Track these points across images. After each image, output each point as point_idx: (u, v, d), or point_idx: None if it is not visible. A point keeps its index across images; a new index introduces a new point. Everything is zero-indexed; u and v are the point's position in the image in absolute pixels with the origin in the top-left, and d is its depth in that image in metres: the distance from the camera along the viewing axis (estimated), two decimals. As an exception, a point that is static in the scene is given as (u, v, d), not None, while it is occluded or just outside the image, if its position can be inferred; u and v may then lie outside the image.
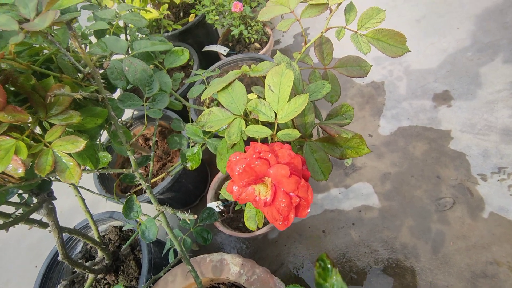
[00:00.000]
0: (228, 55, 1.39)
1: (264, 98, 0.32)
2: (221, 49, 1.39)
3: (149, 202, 1.06)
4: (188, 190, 1.17)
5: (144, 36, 0.53)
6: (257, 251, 1.13)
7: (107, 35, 0.56)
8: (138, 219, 0.39)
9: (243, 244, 1.16)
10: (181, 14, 1.55)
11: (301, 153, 0.31)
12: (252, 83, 1.17)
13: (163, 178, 1.00)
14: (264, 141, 0.31)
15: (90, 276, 0.77)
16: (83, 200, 0.75)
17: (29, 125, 0.30)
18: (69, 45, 0.43)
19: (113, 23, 0.53)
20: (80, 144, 0.30)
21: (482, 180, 1.04)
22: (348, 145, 0.31)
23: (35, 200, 0.48)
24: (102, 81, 0.34)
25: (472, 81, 1.26)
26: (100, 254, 0.88)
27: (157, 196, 1.01)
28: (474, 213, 0.99)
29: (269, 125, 0.29)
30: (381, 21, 0.37)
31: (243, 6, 1.11)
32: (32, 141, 0.30)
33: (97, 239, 0.84)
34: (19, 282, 1.32)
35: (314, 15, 0.38)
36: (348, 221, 1.09)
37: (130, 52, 0.45)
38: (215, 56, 1.47)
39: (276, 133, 0.27)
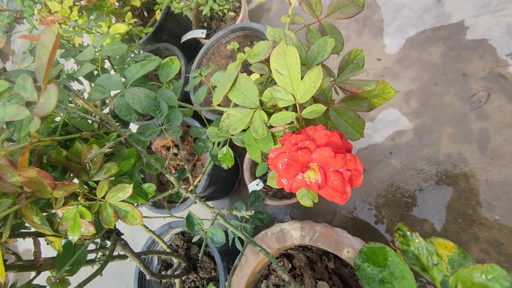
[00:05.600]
0: (207, 36, 1.33)
1: (271, 81, 0.31)
2: (199, 33, 1.33)
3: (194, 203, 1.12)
4: (225, 179, 1.22)
5: (129, 59, 0.52)
6: (308, 209, 1.18)
7: (95, 72, 0.56)
8: (203, 229, 0.43)
9: (293, 207, 1.21)
10: (145, 14, 1.48)
11: (329, 120, 0.31)
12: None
13: (200, 180, 1.05)
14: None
15: (177, 281, 0.86)
16: (143, 224, 0.81)
17: (79, 189, 0.32)
18: (70, 99, 0.43)
19: (97, 57, 0.52)
20: (128, 189, 0.32)
21: (513, 59, 0.96)
22: (373, 95, 0.30)
23: (108, 242, 0.53)
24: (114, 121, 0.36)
25: (473, -46, 1.10)
26: (175, 260, 0.97)
27: (200, 195, 1.07)
28: (513, 97, 0.93)
29: (289, 107, 0.29)
30: None
31: (203, -21, 1.03)
32: (87, 201, 0.33)
33: (168, 250, 0.92)
34: (121, 302, 1.52)
35: None
36: (385, 152, 1.08)
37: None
38: (195, 43, 1.41)
39: (301, 113, 0.27)
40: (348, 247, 0.75)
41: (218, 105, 0.35)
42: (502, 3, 1.01)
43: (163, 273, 1.08)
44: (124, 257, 0.59)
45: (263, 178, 1.05)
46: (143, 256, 0.75)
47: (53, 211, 0.30)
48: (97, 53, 0.46)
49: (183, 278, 0.97)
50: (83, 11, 0.85)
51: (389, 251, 0.24)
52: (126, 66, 0.49)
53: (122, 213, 0.32)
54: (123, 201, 0.32)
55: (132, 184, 0.31)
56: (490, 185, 0.89)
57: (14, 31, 3.33)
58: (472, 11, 1.06)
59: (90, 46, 0.49)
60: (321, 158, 0.21)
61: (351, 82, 0.30)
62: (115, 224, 0.49)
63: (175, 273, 0.92)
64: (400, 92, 1.11)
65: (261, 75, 0.44)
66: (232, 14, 1.28)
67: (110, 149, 0.31)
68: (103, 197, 0.32)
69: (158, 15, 1.09)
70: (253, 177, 1.09)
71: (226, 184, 1.26)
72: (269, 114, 0.32)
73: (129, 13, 0.98)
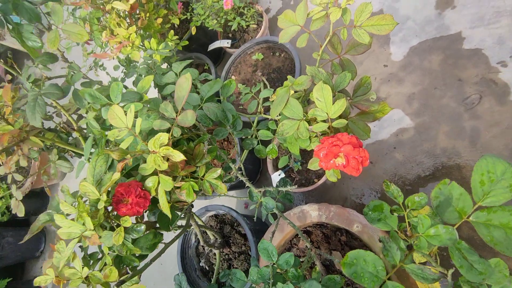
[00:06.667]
0: (232, 45, 1.50)
1: (304, 97, 0.49)
2: (224, 43, 1.51)
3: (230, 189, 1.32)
4: (250, 171, 1.41)
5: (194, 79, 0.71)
6: (322, 197, 1.36)
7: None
8: (258, 200, 0.61)
9: (309, 195, 1.39)
10: (176, 25, 1.66)
11: (348, 127, 0.49)
12: (266, 65, 1.30)
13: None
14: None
15: (217, 252, 1.06)
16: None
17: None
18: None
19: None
20: (218, 170, 0.51)
21: (502, 67, 1.11)
22: (376, 111, 0.47)
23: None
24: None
25: (470, -29, 1.24)
26: (212, 237, 1.17)
27: (232, 184, 1.26)
28: (502, 99, 1.09)
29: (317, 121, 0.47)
30: (370, 12, 0.50)
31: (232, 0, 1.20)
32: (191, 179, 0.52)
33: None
34: (156, 277, 1.74)
35: (320, 25, 0.52)
36: (390, 146, 1.25)
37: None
38: (219, 49, 1.58)
39: (332, 124, 0.45)
40: (357, 223, 0.93)
41: (264, 113, 0.53)
42: (494, 17, 1.15)
43: (199, 248, 1.29)
44: (188, 226, 0.78)
45: (284, 169, 1.24)
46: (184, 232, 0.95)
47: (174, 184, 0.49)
48: (178, 76, 0.65)
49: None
50: (138, 32, 1.04)
51: (385, 205, 0.43)
52: (198, 86, 0.68)
53: (215, 186, 0.51)
54: (215, 178, 0.51)
55: (220, 168, 0.50)
56: (478, 174, 1.05)
57: (44, 35, 3.57)
58: (468, 23, 1.20)
59: (171, 71, 0.67)
60: (346, 150, 0.39)
61: (362, 103, 0.48)
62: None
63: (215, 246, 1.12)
64: (403, 95, 1.27)
65: (295, 91, 0.62)
66: (254, 26, 1.45)
67: (209, 146, 0.50)
68: (203, 176, 0.51)
69: (194, 31, 1.27)
70: (275, 168, 1.28)
71: (250, 175, 1.45)
72: (309, 123, 0.50)
73: (171, 31, 1.17)
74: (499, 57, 1.12)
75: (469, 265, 0.28)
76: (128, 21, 1.05)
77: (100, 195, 0.39)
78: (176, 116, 0.45)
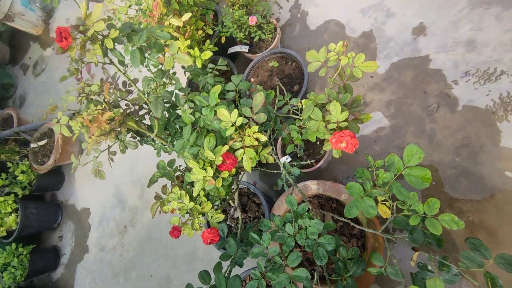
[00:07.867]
0: (249, 50, 1.81)
1: (321, 105, 0.85)
2: (243, 48, 1.81)
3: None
4: (261, 155, 1.75)
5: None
6: (317, 178, 1.72)
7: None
8: (288, 169, 0.96)
9: (307, 176, 1.76)
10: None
11: (348, 127, 0.83)
12: (280, 71, 1.63)
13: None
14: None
15: (240, 214, 1.41)
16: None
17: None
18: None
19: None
20: (270, 148, 0.84)
21: (455, 84, 1.50)
22: (363, 118, 0.82)
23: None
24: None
25: (439, 7, 1.61)
26: (232, 203, 1.51)
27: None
28: (452, 109, 1.48)
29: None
30: (363, 59, 0.85)
31: (256, 17, 1.51)
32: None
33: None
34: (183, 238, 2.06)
35: (334, 63, 0.86)
36: (371, 140, 1.63)
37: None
38: (234, 54, 1.88)
39: (339, 124, 0.79)
40: (345, 193, 1.30)
41: (295, 115, 0.87)
42: (453, 46, 1.54)
43: (220, 215, 1.63)
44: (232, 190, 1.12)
45: (291, 154, 1.59)
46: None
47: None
48: (236, 86, 0.96)
49: (237, 215, 1.52)
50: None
51: (364, 170, 0.79)
52: (241, 92, 1.00)
53: (267, 158, 0.84)
54: (267, 153, 0.84)
55: (272, 146, 0.83)
56: (432, 163, 1.46)
57: (51, 19, 3.65)
58: (435, 49, 1.58)
59: (231, 83, 0.98)
60: (347, 139, 0.73)
61: (356, 112, 0.82)
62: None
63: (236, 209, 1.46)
64: (384, 101, 1.64)
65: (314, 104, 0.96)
66: (269, 36, 1.76)
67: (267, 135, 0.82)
68: (260, 151, 0.84)
69: (223, 40, 1.57)
70: (283, 153, 1.63)
71: (260, 159, 1.79)
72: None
73: (208, 41, 1.47)
74: (454, 77, 1.51)
75: (400, 192, 0.64)
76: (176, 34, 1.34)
77: (216, 158, 0.71)
78: (252, 115, 0.78)
